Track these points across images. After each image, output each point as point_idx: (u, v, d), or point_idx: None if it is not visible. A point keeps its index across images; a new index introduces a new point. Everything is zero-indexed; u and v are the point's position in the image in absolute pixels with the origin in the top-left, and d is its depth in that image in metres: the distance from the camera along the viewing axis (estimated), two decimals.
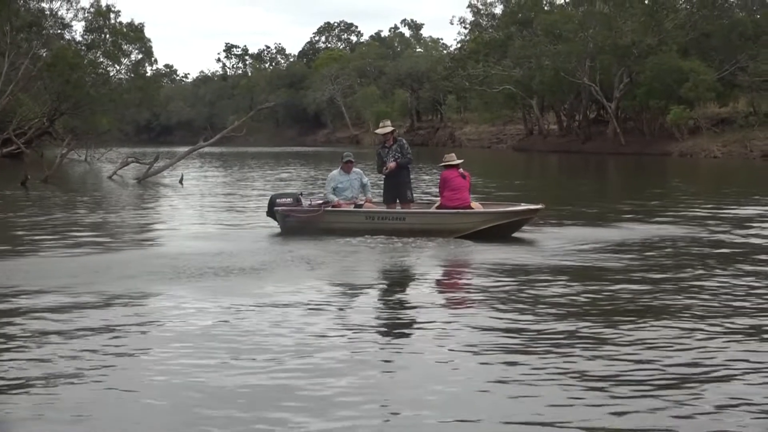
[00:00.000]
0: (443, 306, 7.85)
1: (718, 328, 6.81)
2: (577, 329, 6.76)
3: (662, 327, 6.84)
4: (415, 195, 13.78)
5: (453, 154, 12.96)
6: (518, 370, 5.72)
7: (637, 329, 6.76)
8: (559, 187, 25.63)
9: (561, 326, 6.86)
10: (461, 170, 12.64)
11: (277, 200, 13.01)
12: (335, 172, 13.31)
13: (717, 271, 9.45)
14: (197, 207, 18.15)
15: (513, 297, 8.02)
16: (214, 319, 7.18)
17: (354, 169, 13.22)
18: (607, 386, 5.36)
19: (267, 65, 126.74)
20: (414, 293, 8.55)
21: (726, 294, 8.15)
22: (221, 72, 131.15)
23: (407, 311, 7.67)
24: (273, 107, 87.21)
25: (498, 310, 7.47)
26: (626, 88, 48.83)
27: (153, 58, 48.90)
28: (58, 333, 6.75)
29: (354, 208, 12.93)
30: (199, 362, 5.92)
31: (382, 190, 13.36)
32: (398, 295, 8.37)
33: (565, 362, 5.87)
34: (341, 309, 7.64)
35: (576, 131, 56.17)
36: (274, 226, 13.16)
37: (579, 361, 5.89)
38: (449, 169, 12.69)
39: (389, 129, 13.00)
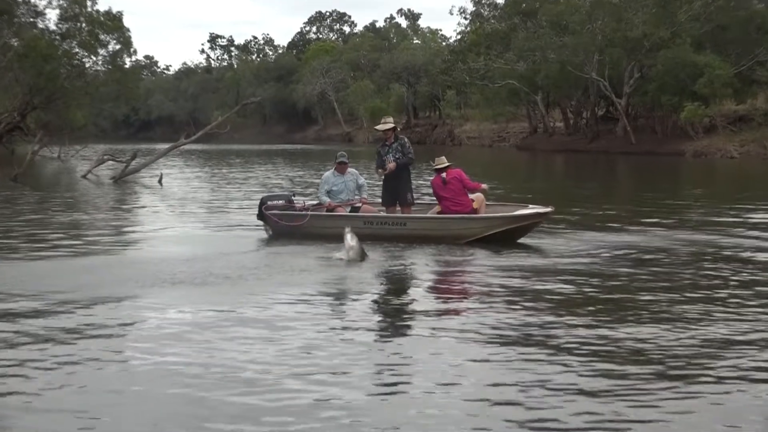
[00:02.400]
0: (443, 315, 7.76)
1: (739, 337, 6.83)
2: (587, 340, 6.72)
3: (679, 336, 6.80)
4: (415, 195, 13.66)
5: (443, 158, 12.93)
6: (527, 384, 5.67)
7: (651, 339, 6.73)
8: (566, 188, 25.61)
9: (570, 336, 6.83)
10: (444, 175, 12.59)
11: (268, 202, 12.96)
12: (329, 173, 13.27)
13: (733, 279, 9.44)
14: (177, 209, 18.04)
15: (519, 306, 7.97)
16: (195, 329, 7.11)
17: (349, 170, 13.18)
18: (621, 401, 5.33)
19: (254, 57, 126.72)
20: (412, 302, 8.49)
21: (742, 302, 8.13)
22: (205, 64, 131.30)
23: (405, 321, 7.60)
24: (260, 102, 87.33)
25: (503, 320, 7.42)
26: (637, 84, 48.91)
27: (132, 49, 48.76)
28: (26, 343, 6.67)
29: (350, 211, 12.88)
30: (180, 377, 5.86)
31: (380, 192, 13.30)
32: (395, 305, 8.31)
33: (575, 374, 5.82)
34: (332, 318, 7.57)
35: (583, 129, 56.24)
36: (261, 229, 13.09)
37: (590, 374, 5.84)
38: (437, 176, 12.70)
39: (390, 125, 12.92)
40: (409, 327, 7.34)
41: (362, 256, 10.47)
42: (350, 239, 10.52)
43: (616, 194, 23.99)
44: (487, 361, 6.19)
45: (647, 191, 23.41)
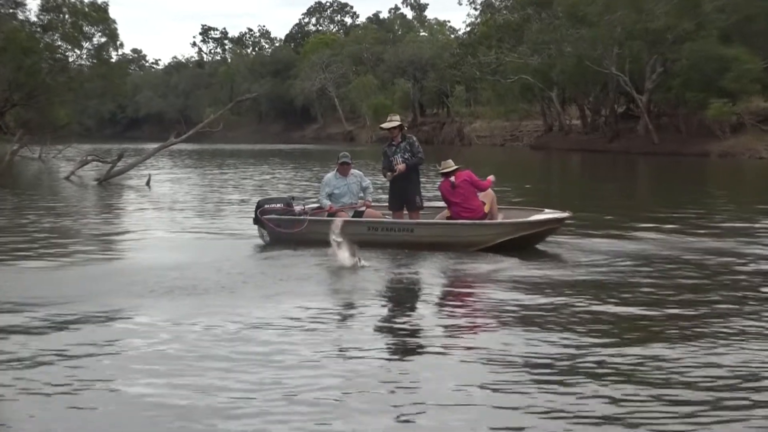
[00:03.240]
0: (451, 332, 7.70)
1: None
2: (606, 361, 6.64)
3: (709, 360, 6.73)
4: (425, 198, 13.61)
5: (450, 161, 12.93)
6: (538, 411, 5.63)
7: (678, 360, 6.67)
8: (583, 191, 25.57)
9: (588, 357, 6.74)
10: (452, 179, 12.60)
11: (266, 205, 12.94)
12: (330, 175, 13.23)
13: (763, 290, 9.38)
14: (167, 213, 18.03)
15: (533, 323, 7.89)
16: (184, 345, 7.08)
17: (352, 171, 13.14)
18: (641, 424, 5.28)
19: (249, 50, 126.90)
20: (418, 317, 8.44)
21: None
22: (197, 58, 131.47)
23: (410, 339, 7.55)
24: (255, 98, 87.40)
25: (515, 339, 7.32)
26: (659, 79, 48.83)
27: (118, 42, 48.93)
28: (7, 361, 6.66)
29: (353, 215, 12.86)
30: (174, 391, 5.84)
31: (387, 195, 13.27)
32: (399, 320, 8.22)
33: (593, 400, 5.77)
34: (331, 334, 7.53)
35: (602, 128, 56.17)
36: (256, 235, 13.08)
37: (608, 400, 5.79)
38: (444, 180, 12.71)
39: (396, 123, 12.87)
40: (414, 345, 7.26)
41: (351, 256, 10.47)
42: (336, 236, 10.56)
43: (637, 198, 23.94)
44: (497, 384, 6.08)
45: (671, 195, 23.35)
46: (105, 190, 24.65)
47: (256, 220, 12.91)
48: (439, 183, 13.10)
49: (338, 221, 11.11)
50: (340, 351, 6.96)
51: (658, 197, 23.03)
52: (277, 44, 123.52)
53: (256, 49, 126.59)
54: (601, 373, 6.30)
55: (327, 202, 12.82)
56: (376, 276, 10.22)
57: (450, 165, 12.74)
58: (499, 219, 12.75)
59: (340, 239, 10.61)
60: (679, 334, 7.46)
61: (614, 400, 5.74)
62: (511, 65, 57.02)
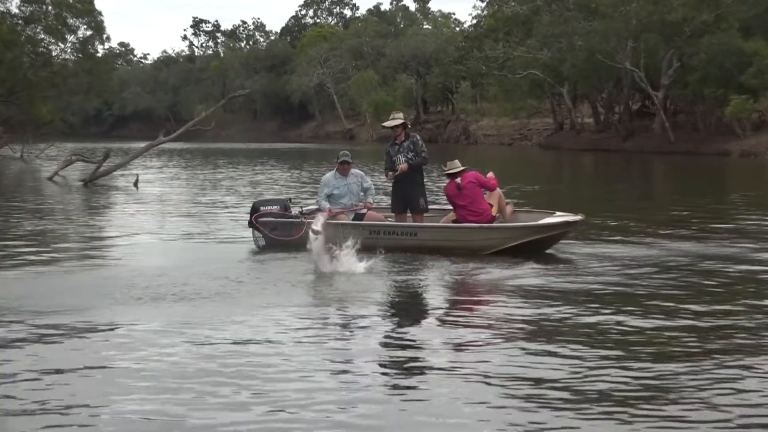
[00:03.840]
0: (458, 346, 7.60)
1: None
2: (623, 381, 6.53)
3: (726, 371, 6.68)
4: (429, 200, 13.58)
5: (456, 161, 12.91)
6: (551, 427, 5.57)
7: (693, 373, 6.61)
8: (596, 193, 25.52)
9: (604, 377, 6.61)
10: (458, 180, 12.57)
11: (261, 208, 12.90)
12: (329, 175, 13.17)
13: None
14: (155, 216, 18.02)
15: (544, 338, 7.82)
16: (176, 356, 7.03)
17: (353, 171, 13.09)
18: None
19: (243, 44, 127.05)
20: (423, 328, 8.38)
21: None
22: (187, 52, 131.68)
23: (414, 353, 7.45)
24: (249, 95, 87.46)
25: (526, 355, 7.21)
26: (676, 74, 48.83)
27: (105, 35, 48.99)
28: None
29: (354, 218, 12.81)
30: (160, 407, 5.79)
31: (390, 197, 13.25)
32: (402, 331, 8.12)
33: (611, 423, 5.71)
34: (329, 347, 7.45)
35: (615, 126, 56.19)
36: (250, 239, 13.04)
37: (625, 425, 5.73)
38: (450, 182, 12.67)
39: (399, 121, 12.85)
40: (418, 360, 7.12)
41: (327, 255, 10.57)
42: (316, 230, 10.69)
43: (653, 200, 23.88)
44: (508, 404, 6.00)
45: (688, 197, 23.31)
46: (90, 191, 24.63)
47: (251, 224, 12.87)
48: (444, 185, 13.04)
49: (320, 216, 11.28)
50: (337, 365, 6.87)
51: (675, 200, 22.99)
52: (272, 38, 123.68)
53: (251, 42, 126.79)
54: (615, 391, 6.20)
55: (326, 204, 12.74)
56: (377, 283, 10.15)
57: (456, 165, 12.70)
58: (509, 211, 12.74)
59: (319, 234, 10.68)
60: (699, 349, 7.34)
61: (627, 422, 5.67)
62: (520, 60, 57.05)
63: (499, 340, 7.61)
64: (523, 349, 7.29)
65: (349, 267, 10.58)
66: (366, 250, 11.01)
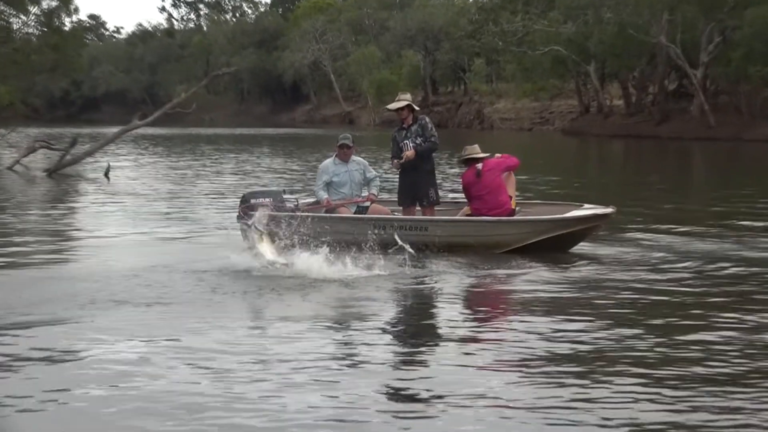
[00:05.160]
0: (473, 363, 7.53)
1: None
2: (663, 410, 6.51)
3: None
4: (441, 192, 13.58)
5: (476, 146, 12.89)
6: None
7: (737, 402, 6.57)
8: (627, 184, 25.51)
9: (638, 404, 6.58)
10: (479, 166, 12.49)
11: (252, 200, 12.87)
12: (328, 161, 13.19)
13: None
14: (129, 210, 18.03)
15: (573, 353, 7.76)
16: (148, 374, 6.97)
17: (354, 158, 13.10)
18: None
19: (228, 17, 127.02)
20: (433, 337, 8.33)
21: None
22: (166, 26, 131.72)
23: (423, 366, 7.44)
24: (236, 74, 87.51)
25: (551, 371, 7.18)
26: (717, 50, 48.77)
27: (72, 7, 48.95)
28: None
29: (356, 211, 12.81)
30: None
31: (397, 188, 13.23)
32: (410, 342, 8.11)
33: None
34: (326, 361, 7.41)
35: (649, 109, 56.17)
36: (238, 234, 13.03)
37: None
38: (468, 168, 12.61)
39: (405, 103, 12.81)
40: (430, 380, 6.98)
41: (274, 251, 10.71)
42: (258, 228, 10.93)
43: (690, 193, 23.89)
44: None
45: (731, 189, 23.29)
46: (55, 182, 24.64)
47: (241, 217, 12.82)
48: (462, 172, 12.89)
49: (261, 211, 11.43)
50: (336, 382, 6.81)
51: (715, 193, 22.95)
52: (261, 9, 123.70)
53: (237, 15, 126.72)
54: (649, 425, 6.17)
55: (324, 195, 12.76)
56: (381, 285, 10.12)
57: (476, 151, 12.64)
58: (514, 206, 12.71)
59: (262, 231, 10.83)
60: (746, 365, 7.32)
61: None
62: (541, 34, 56.96)
63: (521, 359, 7.45)
64: (547, 369, 7.16)
65: (320, 270, 10.47)
66: (366, 249, 10.97)
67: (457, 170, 26.77)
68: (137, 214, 17.31)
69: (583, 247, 12.53)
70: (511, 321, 8.75)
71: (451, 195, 17.67)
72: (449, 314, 9.16)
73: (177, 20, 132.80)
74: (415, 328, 8.53)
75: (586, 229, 12.33)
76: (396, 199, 13.20)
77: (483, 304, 9.85)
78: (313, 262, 10.62)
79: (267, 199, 12.92)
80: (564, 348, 7.57)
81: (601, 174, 30.77)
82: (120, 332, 7.99)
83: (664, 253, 12.37)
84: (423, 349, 7.77)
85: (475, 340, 8.14)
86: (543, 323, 8.45)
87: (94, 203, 19.48)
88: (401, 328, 8.63)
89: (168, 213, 17.35)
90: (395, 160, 12.82)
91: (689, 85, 53.53)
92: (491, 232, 12.17)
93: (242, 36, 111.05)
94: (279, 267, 10.62)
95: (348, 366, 7.16)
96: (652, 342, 7.78)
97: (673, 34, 49.91)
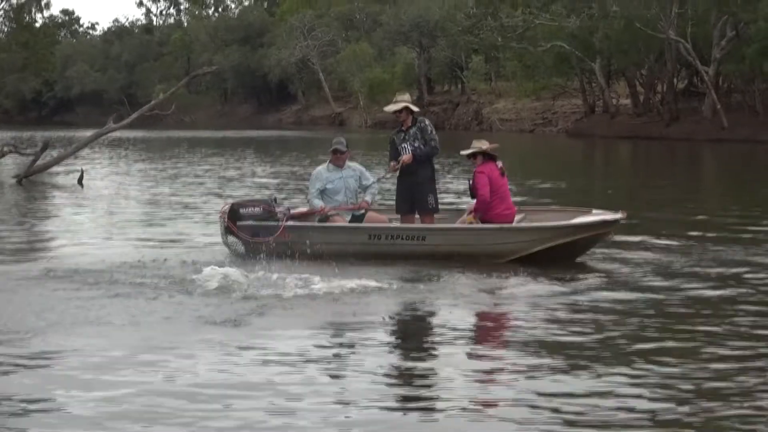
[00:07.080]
0: (475, 381, 7.55)
1: None
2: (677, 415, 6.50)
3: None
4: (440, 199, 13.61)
5: (485, 141, 12.84)
6: None
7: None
8: (634, 191, 25.55)
9: (650, 403, 6.60)
10: (500, 164, 12.45)
11: (241, 210, 12.85)
12: (321, 167, 13.26)
13: None
14: (104, 218, 18.10)
15: (578, 364, 7.77)
16: (119, 399, 6.94)
17: (349, 164, 13.13)
18: None
19: (210, 12, 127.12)
20: (432, 354, 8.35)
21: None
22: (144, 22, 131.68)
23: (422, 383, 7.44)
24: (218, 73, 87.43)
25: (555, 385, 7.20)
26: (730, 46, 48.86)
27: (44, 1, 48.87)
28: None
29: (351, 220, 12.80)
30: None
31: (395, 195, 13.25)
32: (409, 360, 8.10)
33: None
34: (319, 383, 7.41)
35: (657, 108, 56.25)
36: (221, 245, 13.03)
37: None
38: (486, 162, 12.46)
39: (403, 104, 12.85)
40: (429, 400, 7.05)
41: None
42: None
43: (702, 199, 23.94)
44: None
45: (745, 195, 23.36)
46: (25, 189, 24.60)
47: (228, 229, 12.79)
48: (475, 167, 12.59)
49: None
50: (330, 404, 6.80)
51: (728, 199, 23.01)
52: (246, 3, 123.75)
53: (219, 9, 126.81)
54: None
55: (318, 203, 12.82)
56: (378, 300, 10.13)
57: (489, 145, 12.55)
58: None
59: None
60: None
61: None
62: (543, 29, 57.05)
63: (523, 373, 7.54)
64: (551, 382, 7.23)
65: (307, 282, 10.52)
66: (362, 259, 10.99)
67: (456, 172, 26.83)
68: (113, 223, 17.35)
69: (591, 254, 12.55)
70: (515, 331, 8.84)
71: (447, 199, 17.67)
72: (449, 323, 9.19)
73: (156, 15, 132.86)
74: (413, 339, 8.63)
75: (595, 235, 12.36)
76: (394, 206, 13.23)
77: (485, 318, 9.86)
78: (301, 273, 10.64)
79: (257, 208, 12.90)
80: (568, 354, 7.64)
81: (607, 179, 30.83)
82: (88, 354, 7.96)
83: (678, 257, 12.53)
84: (422, 354, 7.80)
85: (475, 350, 8.32)
86: (546, 332, 8.56)
87: (66, 212, 19.49)
88: (398, 339, 8.71)
89: (146, 222, 17.42)
90: (392, 162, 12.87)
91: (700, 83, 53.63)
92: (494, 241, 12.19)
93: (225, 32, 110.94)
94: (265, 278, 10.61)
95: (345, 372, 7.28)
96: (666, 350, 7.84)
97: (683, 28, 49.98)
